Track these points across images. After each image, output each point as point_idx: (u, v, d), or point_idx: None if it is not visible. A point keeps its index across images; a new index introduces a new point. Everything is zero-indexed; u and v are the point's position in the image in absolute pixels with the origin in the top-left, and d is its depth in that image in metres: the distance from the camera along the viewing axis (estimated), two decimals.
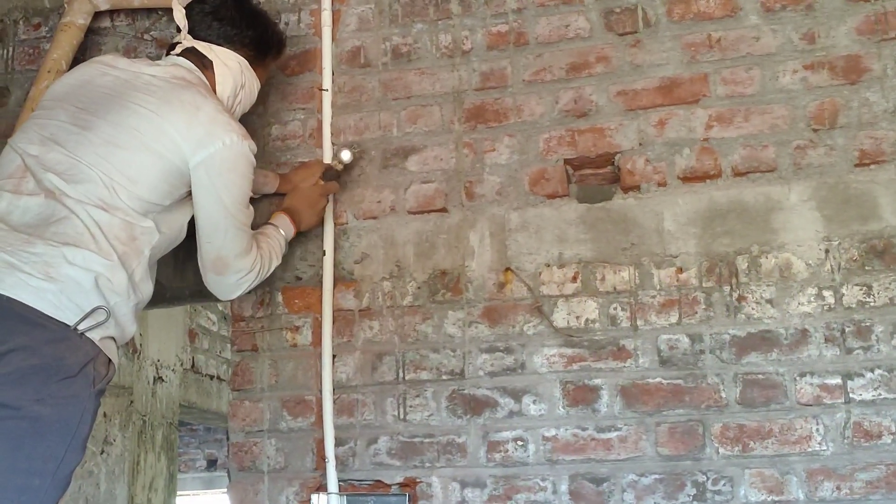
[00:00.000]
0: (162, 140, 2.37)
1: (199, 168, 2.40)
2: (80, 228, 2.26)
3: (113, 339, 2.31)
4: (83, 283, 2.22)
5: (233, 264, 2.51)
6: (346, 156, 2.78)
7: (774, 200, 2.55)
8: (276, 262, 2.65)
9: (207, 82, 2.57)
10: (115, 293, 2.27)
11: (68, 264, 2.21)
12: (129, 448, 5.36)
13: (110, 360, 2.30)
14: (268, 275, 2.62)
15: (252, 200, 2.55)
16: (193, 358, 6.31)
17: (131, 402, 5.36)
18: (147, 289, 2.40)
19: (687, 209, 2.59)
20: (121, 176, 2.32)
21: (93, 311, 2.21)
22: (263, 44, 2.70)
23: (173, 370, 5.96)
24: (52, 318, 2.17)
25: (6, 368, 2.11)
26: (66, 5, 3.09)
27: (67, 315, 2.19)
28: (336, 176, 2.79)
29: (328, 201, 2.79)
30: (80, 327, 2.19)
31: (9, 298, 2.15)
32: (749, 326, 2.49)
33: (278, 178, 2.85)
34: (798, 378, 2.44)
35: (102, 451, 5.17)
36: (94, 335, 2.22)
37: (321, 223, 2.80)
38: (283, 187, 2.84)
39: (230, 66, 2.61)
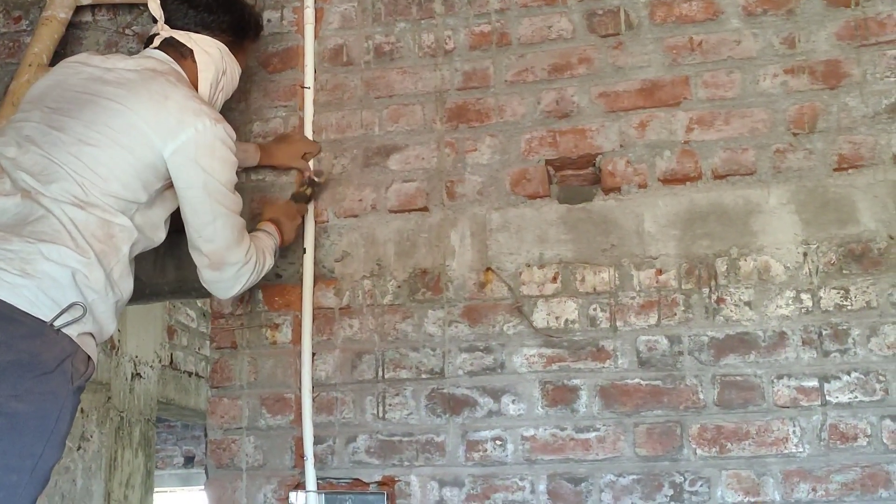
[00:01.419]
0: (132, 133, 2.34)
1: (175, 158, 2.36)
2: (56, 226, 2.24)
3: (91, 335, 2.29)
4: (59, 278, 2.20)
5: (228, 256, 2.48)
6: (316, 178, 2.81)
7: (754, 203, 2.56)
8: (270, 261, 2.63)
9: (182, 71, 2.55)
10: (93, 290, 2.25)
11: (45, 260, 2.19)
12: (107, 444, 5.34)
13: (89, 357, 2.28)
14: (263, 273, 2.59)
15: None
16: (172, 354, 6.28)
17: (109, 398, 5.33)
18: (126, 287, 2.38)
19: (667, 211, 2.61)
20: (92, 173, 2.30)
21: (70, 306, 2.19)
22: (241, 27, 2.68)
23: (151, 367, 5.94)
24: (27, 313, 2.15)
25: None
26: None
27: (44, 311, 2.17)
28: (306, 199, 2.79)
29: (303, 220, 2.80)
30: (57, 323, 2.17)
31: None
32: (727, 328, 2.51)
33: (259, 151, 2.84)
34: (775, 380, 2.45)
35: (79, 448, 5.15)
36: (72, 331, 2.21)
37: (298, 238, 2.80)
38: (265, 160, 2.84)
39: (210, 52, 2.59)
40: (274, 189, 2.86)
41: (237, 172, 2.50)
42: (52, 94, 2.46)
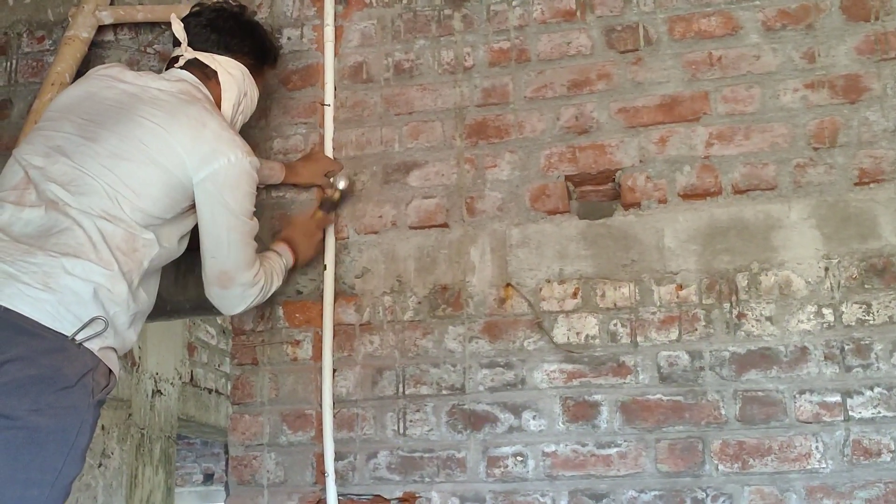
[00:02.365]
0: (167, 154, 2.38)
1: (204, 184, 2.41)
2: (81, 239, 2.26)
3: (113, 349, 2.31)
4: (81, 293, 2.22)
5: (237, 277, 2.51)
6: (342, 183, 2.79)
7: (774, 218, 2.56)
8: (277, 282, 2.65)
9: (211, 97, 2.58)
10: (115, 303, 2.27)
11: (67, 275, 2.21)
12: (127, 461, 5.35)
13: (111, 370, 2.30)
14: (269, 294, 2.62)
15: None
16: (192, 371, 6.30)
17: (129, 414, 5.35)
18: (147, 299, 2.41)
19: (687, 226, 2.60)
20: (125, 188, 2.33)
21: (91, 321, 2.21)
22: (262, 52, 2.72)
23: (172, 383, 5.95)
24: (49, 328, 2.17)
25: (3, 378, 2.10)
26: (70, 19, 3.10)
27: (65, 325, 2.19)
28: (333, 206, 2.81)
29: (325, 234, 2.81)
30: (78, 337, 2.19)
31: (6, 309, 2.15)
32: (749, 343, 2.50)
33: (284, 169, 2.86)
34: (798, 395, 2.44)
35: (100, 464, 5.16)
36: (93, 345, 2.22)
37: (319, 254, 2.81)
38: (289, 178, 2.86)
39: (234, 74, 2.62)
40: (294, 206, 2.88)
41: (259, 188, 2.52)
42: (84, 105, 2.48)
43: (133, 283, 2.32)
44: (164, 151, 2.38)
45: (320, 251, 2.80)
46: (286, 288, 2.80)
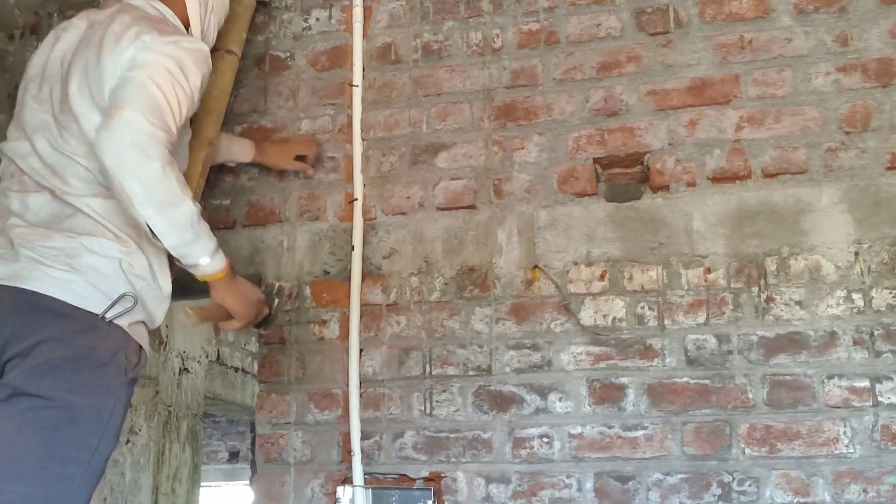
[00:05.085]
0: (106, 90, 2.29)
1: (125, 68, 2.26)
2: (91, 221, 2.26)
3: (143, 323, 2.32)
4: (106, 270, 2.22)
5: (129, 113, 2.17)
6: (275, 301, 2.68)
7: (805, 202, 2.54)
8: (202, 236, 2.28)
9: (172, 10, 2.51)
10: (139, 277, 2.27)
11: (89, 253, 2.22)
12: (155, 438, 5.39)
13: (141, 347, 2.31)
14: (168, 204, 2.21)
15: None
16: (219, 350, 6.34)
17: (157, 392, 5.39)
18: (167, 282, 2.36)
19: (716, 210, 2.59)
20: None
21: (120, 297, 2.22)
22: None
23: (199, 362, 5.99)
24: (79, 308, 2.19)
25: (37, 360, 2.13)
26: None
27: (94, 304, 2.20)
28: (265, 323, 2.67)
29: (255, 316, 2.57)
30: (108, 315, 2.20)
31: (34, 293, 2.17)
32: (778, 328, 2.49)
33: (254, 148, 2.83)
34: (826, 380, 2.43)
35: (128, 441, 5.21)
36: (123, 322, 2.23)
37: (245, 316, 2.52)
38: (258, 156, 2.82)
39: None
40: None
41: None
42: (43, 76, 2.45)
43: (151, 260, 2.30)
44: (104, 91, 2.29)
45: (246, 315, 2.51)
46: (313, 268, 2.81)
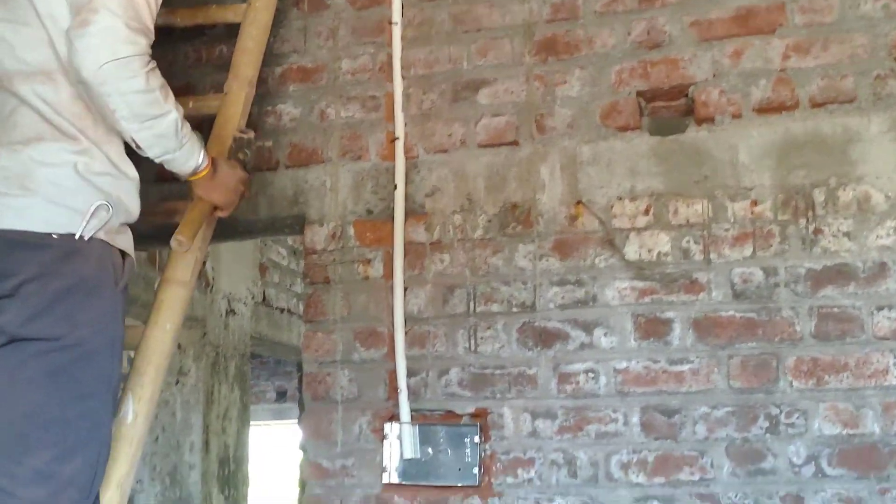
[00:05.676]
0: None
1: None
2: (34, 118, 2.12)
3: (124, 225, 2.23)
4: (63, 181, 2.10)
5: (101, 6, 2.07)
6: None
7: (853, 132, 2.50)
8: (185, 142, 2.26)
9: None
10: (101, 174, 2.15)
11: (40, 167, 2.09)
12: (203, 379, 5.48)
13: (124, 253, 2.21)
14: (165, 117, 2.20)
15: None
16: (264, 291, 6.40)
17: (204, 333, 5.47)
18: (132, 169, 2.23)
19: (762, 141, 2.55)
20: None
21: (95, 210, 2.11)
22: None
23: (245, 303, 6.06)
24: (50, 234, 2.09)
25: (28, 301, 2.07)
26: None
27: (64, 223, 2.09)
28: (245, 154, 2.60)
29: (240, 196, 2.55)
30: (86, 233, 2.10)
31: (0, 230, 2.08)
32: (825, 260, 2.46)
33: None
34: (875, 312, 2.41)
35: (177, 382, 5.30)
36: (101, 234, 2.14)
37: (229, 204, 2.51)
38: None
39: None
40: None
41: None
42: None
43: (110, 153, 2.18)
44: None
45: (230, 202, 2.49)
46: (357, 207, 2.81)
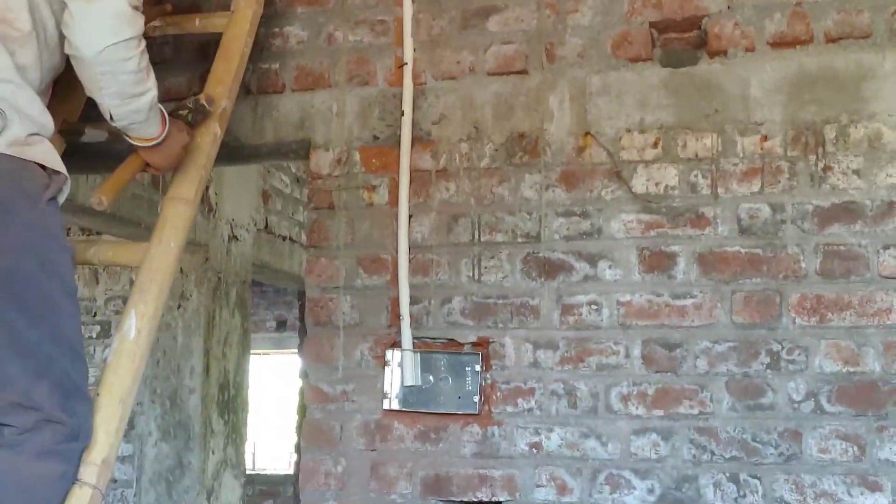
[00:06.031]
0: None
1: None
2: None
3: (35, 136, 2.08)
4: None
5: None
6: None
7: (867, 68, 2.46)
8: (151, 119, 2.25)
9: None
10: (2, 81, 2.02)
11: None
12: (205, 303, 5.50)
13: (43, 165, 2.09)
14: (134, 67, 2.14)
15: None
16: (267, 219, 6.39)
17: (206, 259, 5.48)
18: (50, 66, 2.16)
19: (774, 75, 2.52)
20: None
21: None
22: None
23: (247, 230, 6.06)
24: None
25: None
26: None
27: None
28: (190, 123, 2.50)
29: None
30: None
31: None
32: (833, 197, 2.44)
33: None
34: (881, 250, 2.40)
35: (179, 306, 5.32)
36: (7, 149, 2.00)
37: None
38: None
39: None
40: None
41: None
42: None
43: (15, 53, 2.05)
44: None
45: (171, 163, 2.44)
46: (363, 133, 2.79)
